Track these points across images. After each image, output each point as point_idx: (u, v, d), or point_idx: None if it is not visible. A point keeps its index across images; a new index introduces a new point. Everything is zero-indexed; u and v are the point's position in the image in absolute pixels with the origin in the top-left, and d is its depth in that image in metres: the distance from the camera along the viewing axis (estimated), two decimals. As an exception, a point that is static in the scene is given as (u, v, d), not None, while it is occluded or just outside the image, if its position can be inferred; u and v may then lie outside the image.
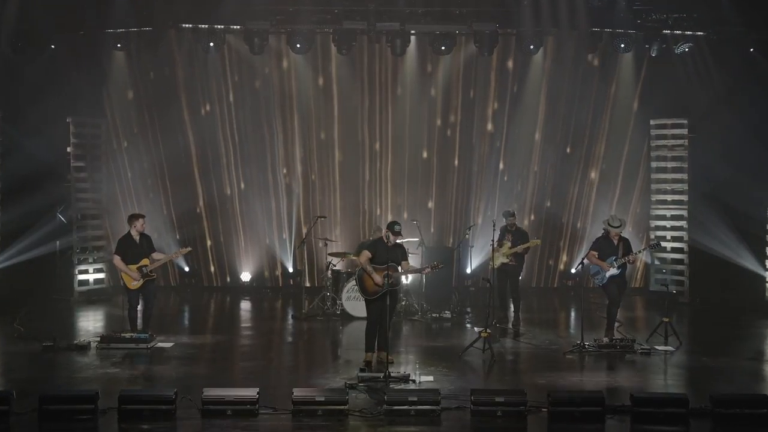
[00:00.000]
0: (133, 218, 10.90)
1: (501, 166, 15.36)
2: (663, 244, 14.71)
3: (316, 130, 15.28)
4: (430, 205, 15.50)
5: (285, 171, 15.31)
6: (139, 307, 10.87)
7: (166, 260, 11.37)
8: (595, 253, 10.80)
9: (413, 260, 11.94)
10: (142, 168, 15.16)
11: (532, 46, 14.27)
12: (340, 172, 15.42)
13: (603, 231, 11.00)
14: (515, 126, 15.24)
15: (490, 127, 15.28)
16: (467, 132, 15.28)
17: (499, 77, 15.16)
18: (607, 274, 10.71)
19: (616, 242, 10.76)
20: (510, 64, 15.13)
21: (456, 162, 15.39)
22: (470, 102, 15.22)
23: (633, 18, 13.87)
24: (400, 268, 9.73)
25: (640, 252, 10.89)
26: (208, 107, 15.08)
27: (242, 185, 15.34)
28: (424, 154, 15.40)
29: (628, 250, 10.78)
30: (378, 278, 9.48)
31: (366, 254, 9.69)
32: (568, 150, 15.31)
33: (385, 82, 15.23)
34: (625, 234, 11.04)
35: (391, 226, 9.62)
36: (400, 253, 9.78)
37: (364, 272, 9.62)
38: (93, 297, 14.29)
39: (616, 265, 10.68)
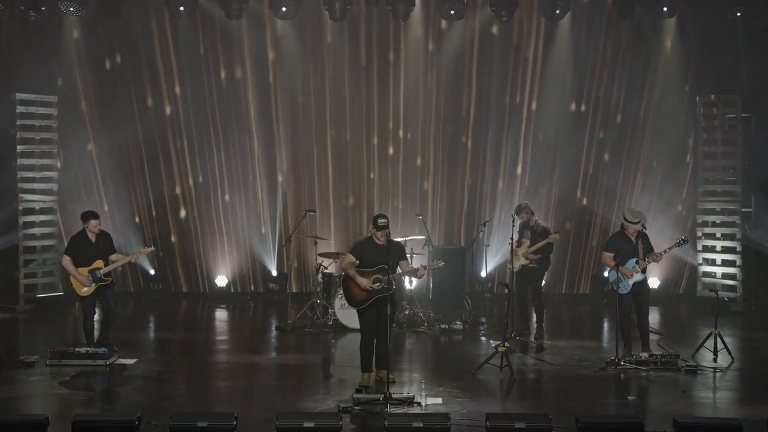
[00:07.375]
0: (85, 217, 10.92)
1: (521, 151, 15.33)
2: (712, 243, 14.68)
3: (305, 108, 15.24)
4: (439, 196, 15.49)
5: (267, 157, 15.26)
6: (97, 317, 10.83)
7: (125, 262, 11.24)
8: (611, 254, 10.65)
9: (418, 262, 11.89)
10: (100, 154, 15.12)
11: (558, 11, 14.23)
12: (332, 158, 15.39)
13: (620, 226, 10.85)
14: (538, 104, 15.20)
15: (508, 104, 15.23)
16: (482, 110, 15.23)
17: (520, 47, 15.10)
18: (631, 281, 10.64)
19: (634, 240, 10.68)
20: (532, 31, 15.08)
21: (468, 146, 15.36)
22: (485, 75, 15.17)
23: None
24: (398, 269, 9.64)
25: (664, 252, 10.79)
26: (177, 83, 15.04)
27: (217, 174, 15.30)
28: (431, 137, 15.37)
29: (648, 247, 10.68)
30: (363, 282, 9.40)
31: (349, 258, 9.58)
32: (600, 133, 15.25)
33: (385, 52, 15.18)
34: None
35: (374, 221, 9.43)
36: (395, 254, 9.56)
37: (348, 278, 9.55)
38: (42, 305, 14.26)
39: (639, 269, 10.60)
